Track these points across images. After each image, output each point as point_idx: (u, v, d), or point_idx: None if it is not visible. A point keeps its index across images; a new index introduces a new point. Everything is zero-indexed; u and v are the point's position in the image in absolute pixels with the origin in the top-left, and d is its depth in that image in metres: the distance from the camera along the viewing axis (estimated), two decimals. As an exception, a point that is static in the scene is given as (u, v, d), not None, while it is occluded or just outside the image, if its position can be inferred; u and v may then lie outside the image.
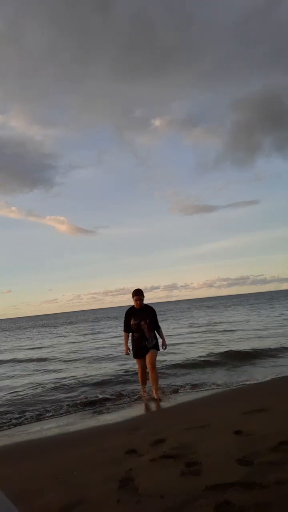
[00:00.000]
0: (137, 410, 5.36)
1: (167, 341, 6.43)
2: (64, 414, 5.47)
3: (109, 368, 8.99)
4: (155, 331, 6.09)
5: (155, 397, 5.77)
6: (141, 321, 5.96)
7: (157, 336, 6.10)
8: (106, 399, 6.03)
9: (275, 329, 14.40)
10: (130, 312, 6.11)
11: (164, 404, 5.55)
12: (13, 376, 9.29)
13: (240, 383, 6.43)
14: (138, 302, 6.04)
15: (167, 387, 6.44)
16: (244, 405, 4.57)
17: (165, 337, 6.14)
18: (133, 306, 6.15)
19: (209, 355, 9.48)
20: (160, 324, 6.17)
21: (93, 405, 5.78)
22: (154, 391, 5.88)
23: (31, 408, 5.87)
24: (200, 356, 9.36)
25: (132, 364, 8.83)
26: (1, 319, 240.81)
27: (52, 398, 6.49)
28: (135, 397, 6.08)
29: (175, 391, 6.21)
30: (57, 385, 7.51)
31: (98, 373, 8.36)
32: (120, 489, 2.42)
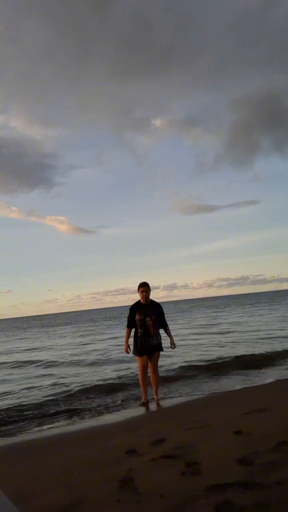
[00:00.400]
0: (137, 410, 5.36)
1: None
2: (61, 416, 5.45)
3: (102, 373, 8.59)
4: (163, 329, 5.83)
5: (155, 398, 5.65)
6: (146, 317, 5.68)
7: (161, 334, 5.79)
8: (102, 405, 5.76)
9: (274, 331, 14.18)
10: (136, 307, 5.81)
11: (164, 404, 5.55)
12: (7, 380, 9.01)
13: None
14: (144, 294, 5.73)
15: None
16: (244, 405, 4.57)
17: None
18: (138, 301, 5.85)
19: (200, 360, 8.84)
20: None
21: (87, 411, 5.53)
22: (154, 392, 5.74)
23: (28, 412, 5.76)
24: (196, 360, 8.81)
25: (129, 367, 8.65)
26: (1, 319, 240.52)
27: (45, 401, 6.26)
28: (136, 401, 5.83)
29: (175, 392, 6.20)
30: (47, 391, 7.06)
31: (90, 379, 7.89)
32: (120, 489, 2.42)
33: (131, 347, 5.77)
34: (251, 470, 2.41)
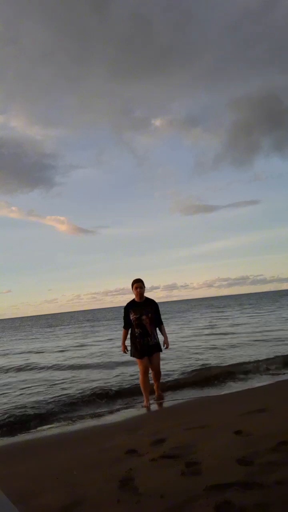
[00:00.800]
0: (137, 410, 5.36)
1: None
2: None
3: (101, 375, 8.33)
4: (158, 328, 5.58)
5: (155, 393, 5.55)
6: (142, 315, 5.42)
7: (158, 333, 5.59)
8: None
9: (274, 333, 13.76)
10: (130, 306, 5.54)
11: (164, 404, 5.55)
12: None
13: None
14: (138, 290, 5.46)
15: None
16: (244, 405, 4.57)
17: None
18: (133, 299, 5.59)
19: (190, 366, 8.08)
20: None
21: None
22: (155, 386, 5.59)
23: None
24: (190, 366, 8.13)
25: (129, 369, 8.36)
26: (1, 319, 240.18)
27: (43, 405, 6.06)
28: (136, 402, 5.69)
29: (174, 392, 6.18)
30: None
31: (88, 382, 7.53)
32: (120, 489, 2.42)
33: (129, 348, 5.59)
34: (251, 470, 2.41)
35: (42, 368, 10.68)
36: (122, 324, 5.68)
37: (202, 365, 8.21)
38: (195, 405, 5.33)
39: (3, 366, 11.78)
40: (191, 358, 9.53)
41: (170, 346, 5.80)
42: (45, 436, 4.51)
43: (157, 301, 5.75)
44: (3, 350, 18.52)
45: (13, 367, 11.29)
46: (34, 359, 13.06)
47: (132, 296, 5.65)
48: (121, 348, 5.75)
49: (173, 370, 7.79)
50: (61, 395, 6.64)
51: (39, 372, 10.04)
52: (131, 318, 5.46)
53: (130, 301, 5.61)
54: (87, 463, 3.10)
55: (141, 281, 5.53)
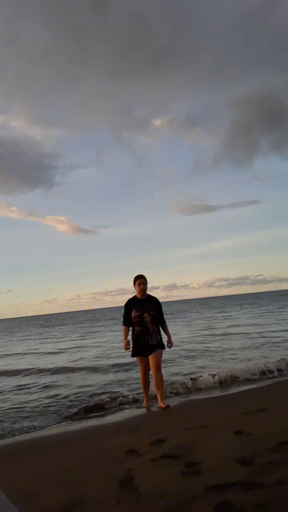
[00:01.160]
0: (137, 410, 5.35)
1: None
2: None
3: (100, 378, 8.02)
4: (161, 327, 5.35)
5: (162, 406, 5.11)
6: (144, 313, 5.17)
7: (161, 332, 5.36)
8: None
9: (273, 334, 13.63)
10: (132, 303, 5.29)
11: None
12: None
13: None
14: (141, 286, 5.25)
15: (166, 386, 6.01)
16: (244, 405, 4.56)
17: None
18: (134, 296, 5.36)
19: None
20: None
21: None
22: (159, 399, 5.21)
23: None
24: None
25: (128, 372, 8.19)
26: (1, 319, 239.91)
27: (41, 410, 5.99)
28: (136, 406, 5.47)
29: (175, 393, 6.15)
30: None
31: (87, 385, 7.27)
32: (120, 489, 2.41)
33: (131, 343, 5.31)
34: (251, 470, 2.41)
35: (35, 372, 10.00)
36: (122, 322, 5.43)
37: (200, 367, 8.15)
38: (195, 405, 5.33)
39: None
40: (190, 359, 9.46)
41: (172, 347, 5.55)
42: (45, 436, 4.50)
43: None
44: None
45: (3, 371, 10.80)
46: (30, 363, 12.27)
47: (131, 296, 5.46)
48: (123, 346, 5.38)
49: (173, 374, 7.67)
50: (56, 399, 6.35)
51: (32, 377, 9.36)
52: (132, 315, 5.21)
53: (132, 298, 5.38)
54: (87, 463, 3.10)
55: (144, 277, 5.33)
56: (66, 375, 9.02)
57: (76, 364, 10.66)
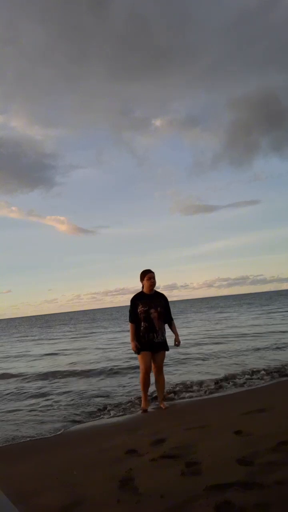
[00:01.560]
0: (137, 410, 5.34)
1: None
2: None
3: (99, 381, 7.73)
4: (168, 324, 5.20)
5: (162, 407, 5.06)
6: (151, 309, 5.01)
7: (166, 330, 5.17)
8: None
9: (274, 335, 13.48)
10: (138, 298, 5.10)
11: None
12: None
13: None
14: (152, 280, 5.07)
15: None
16: (244, 405, 4.56)
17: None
18: (141, 291, 5.18)
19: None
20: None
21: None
22: (160, 400, 5.16)
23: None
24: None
25: (124, 378, 7.85)
26: (1, 319, 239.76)
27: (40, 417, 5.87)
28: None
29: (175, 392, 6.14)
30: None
31: (86, 390, 6.84)
32: (120, 489, 2.41)
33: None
34: (251, 470, 2.41)
35: (31, 377, 9.32)
36: (128, 318, 5.18)
37: (199, 367, 8.14)
38: (195, 405, 5.32)
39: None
40: (189, 359, 9.43)
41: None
42: (45, 436, 4.50)
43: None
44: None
45: None
46: (25, 367, 11.60)
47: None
48: (131, 346, 5.12)
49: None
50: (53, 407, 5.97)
51: (26, 382, 8.75)
52: (139, 310, 5.02)
53: (138, 293, 5.19)
54: (87, 463, 3.10)
55: (153, 272, 5.17)
56: (64, 378, 8.78)
57: (75, 366, 10.48)
